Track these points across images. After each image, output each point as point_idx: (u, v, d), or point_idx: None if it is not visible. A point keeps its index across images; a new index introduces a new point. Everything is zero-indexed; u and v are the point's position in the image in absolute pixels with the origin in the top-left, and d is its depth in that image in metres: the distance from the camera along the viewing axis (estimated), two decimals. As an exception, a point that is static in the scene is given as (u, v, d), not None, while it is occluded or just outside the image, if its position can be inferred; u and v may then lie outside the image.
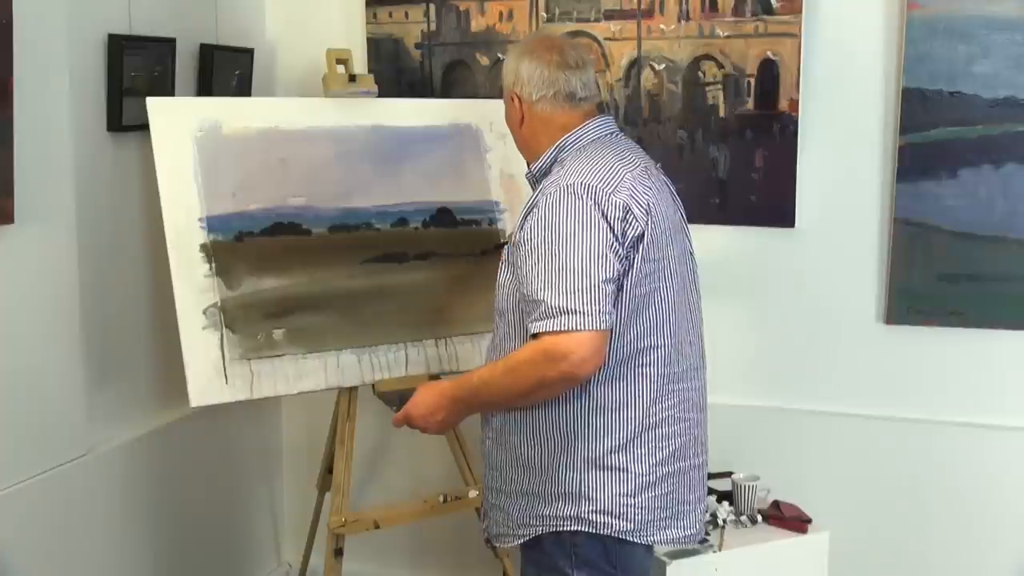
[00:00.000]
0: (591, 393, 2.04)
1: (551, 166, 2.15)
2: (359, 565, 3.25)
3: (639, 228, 2.02)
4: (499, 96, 2.33)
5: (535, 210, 2.03)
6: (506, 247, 2.16)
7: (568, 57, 2.17)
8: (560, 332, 1.93)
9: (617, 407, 2.05)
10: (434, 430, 2.20)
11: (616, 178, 2.04)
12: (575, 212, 1.98)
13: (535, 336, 1.97)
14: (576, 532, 2.08)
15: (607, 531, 2.07)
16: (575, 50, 2.22)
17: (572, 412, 2.06)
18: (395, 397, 2.43)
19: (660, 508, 2.09)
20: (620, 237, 1.99)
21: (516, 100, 2.19)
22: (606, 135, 2.17)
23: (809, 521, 2.81)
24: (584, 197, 1.99)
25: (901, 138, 2.85)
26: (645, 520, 2.08)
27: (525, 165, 2.29)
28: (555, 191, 2.02)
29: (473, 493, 2.80)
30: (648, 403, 2.07)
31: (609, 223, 1.98)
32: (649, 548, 2.19)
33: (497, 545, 2.25)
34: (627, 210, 2.01)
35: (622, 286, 2.00)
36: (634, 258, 2.01)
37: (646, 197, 2.06)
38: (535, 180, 2.20)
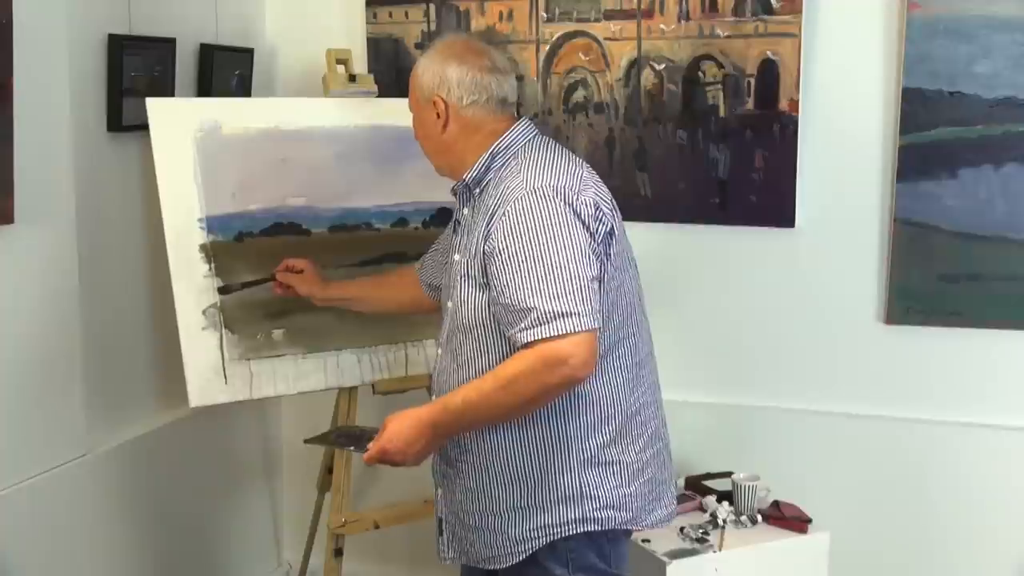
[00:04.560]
0: (578, 393, 2.02)
1: (485, 173, 2.11)
2: (359, 565, 3.25)
3: (609, 224, 2.03)
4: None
5: (503, 218, 1.98)
6: (462, 260, 2.09)
7: (497, 62, 2.15)
8: (557, 337, 1.89)
9: (603, 403, 2.06)
10: (412, 462, 2.05)
11: (576, 177, 2.03)
12: (550, 215, 1.95)
13: (527, 345, 1.92)
14: (569, 537, 2.07)
15: (611, 525, 2.07)
16: (500, 54, 2.20)
17: (561, 416, 2.04)
18: (342, 440, 2.28)
19: (647, 492, 2.12)
20: (594, 235, 1.99)
21: (440, 104, 2.11)
22: (533, 136, 2.14)
23: (809, 521, 2.81)
24: (555, 199, 1.97)
25: (901, 138, 2.85)
26: (638, 507, 2.11)
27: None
28: (522, 196, 1.98)
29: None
30: (627, 393, 2.09)
31: (584, 222, 1.97)
32: (629, 535, 2.21)
33: (489, 567, 2.16)
34: (596, 207, 2.01)
35: (601, 282, 2.00)
36: (607, 254, 2.02)
37: (607, 192, 2.09)
38: (468, 189, 2.14)
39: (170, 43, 2.83)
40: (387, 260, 2.82)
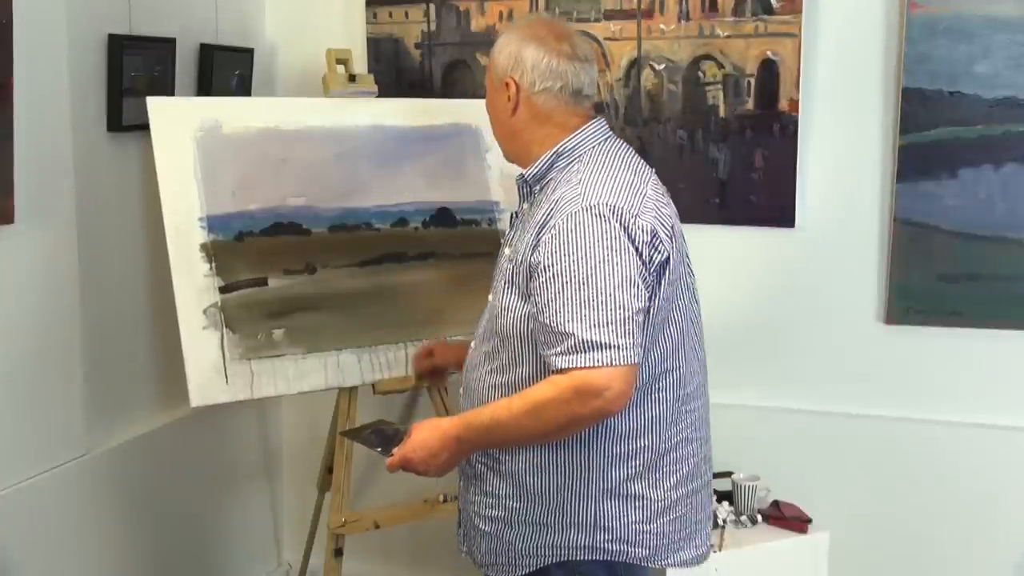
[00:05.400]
0: (607, 422, 1.92)
1: (547, 171, 2.01)
2: (359, 565, 3.25)
3: (665, 252, 1.91)
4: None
5: (552, 231, 1.87)
6: (508, 265, 2.00)
7: (578, 49, 2.01)
8: (593, 368, 1.80)
9: (634, 435, 1.96)
10: (435, 473, 1.99)
11: (639, 197, 1.91)
12: (602, 237, 1.84)
13: (562, 371, 1.82)
14: (582, 560, 2.00)
15: (623, 559, 1.98)
16: (583, 42, 2.06)
17: (586, 442, 1.94)
18: (374, 439, 2.26)
19: (673, 532, 2.02)
20: (647, 263, 1.87)
21: (512, 87, 2.01)
22: (604, 139, 2.02)
23: (809, 521, 2.81)
24: (611, 220, 1.85)
25: (901, 138, 2.85)
26: (659, 545, 2.00)
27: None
28: (576, 212, 1.86)
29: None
30: (664, 428, 1.98)
31: (637, 249, 1.86)
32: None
33: (489, 575, 2.11)
34: (654, 234, 1.89)
35: (648, 313, 1.89)
36: (659, 283, 1.90)
37: (670, 218, 1.97)
38: (527, 185, 2.05)
39: (170, 43, 2.83)
40: (387, 260, 2.83)
